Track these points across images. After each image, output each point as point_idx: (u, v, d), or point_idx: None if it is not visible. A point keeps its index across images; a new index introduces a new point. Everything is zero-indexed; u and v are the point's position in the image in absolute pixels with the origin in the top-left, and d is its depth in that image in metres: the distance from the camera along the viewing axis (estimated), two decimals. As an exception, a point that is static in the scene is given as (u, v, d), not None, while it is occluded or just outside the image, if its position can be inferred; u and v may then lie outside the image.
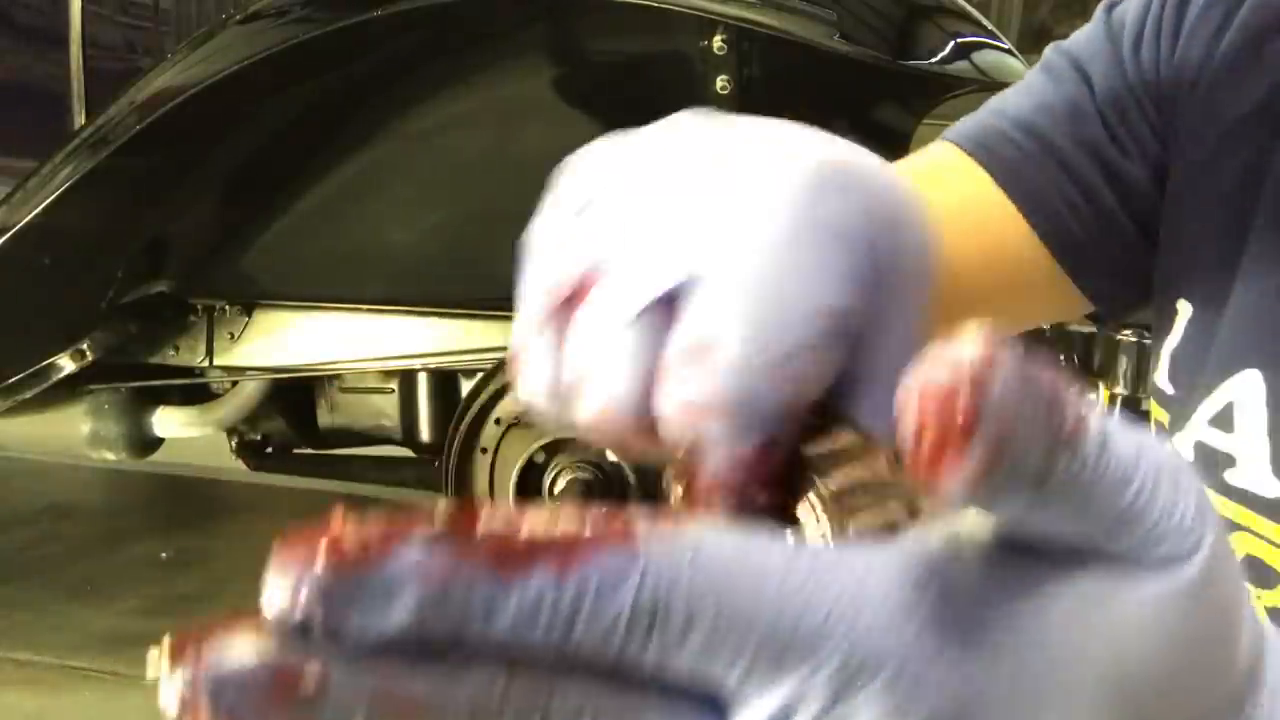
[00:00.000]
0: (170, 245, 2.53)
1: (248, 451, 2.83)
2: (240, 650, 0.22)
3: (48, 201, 2.18)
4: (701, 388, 0.31)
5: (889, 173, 0.36)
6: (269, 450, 2.87)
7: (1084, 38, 0.64)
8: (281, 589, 0.22)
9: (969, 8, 2.15)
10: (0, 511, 3.44)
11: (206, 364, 2.58)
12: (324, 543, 0.22)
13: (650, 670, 0.23)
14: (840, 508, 0.29)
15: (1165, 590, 0.24)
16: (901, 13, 2.10)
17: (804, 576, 0.23)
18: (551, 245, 0.35)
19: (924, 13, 2.11)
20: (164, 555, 3.17)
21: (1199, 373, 0.57)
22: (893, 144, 2.28)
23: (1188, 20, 0.60)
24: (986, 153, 0.62)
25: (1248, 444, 0.54)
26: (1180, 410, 0.58)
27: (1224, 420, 0.56)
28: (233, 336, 2.57)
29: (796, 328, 0.31)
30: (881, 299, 0.33)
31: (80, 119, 2.44)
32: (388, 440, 2.72)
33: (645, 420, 0.33)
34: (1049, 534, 0.24)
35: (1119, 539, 0.24)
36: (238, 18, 2.10)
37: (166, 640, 0.23)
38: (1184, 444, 0.57)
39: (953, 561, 0.24)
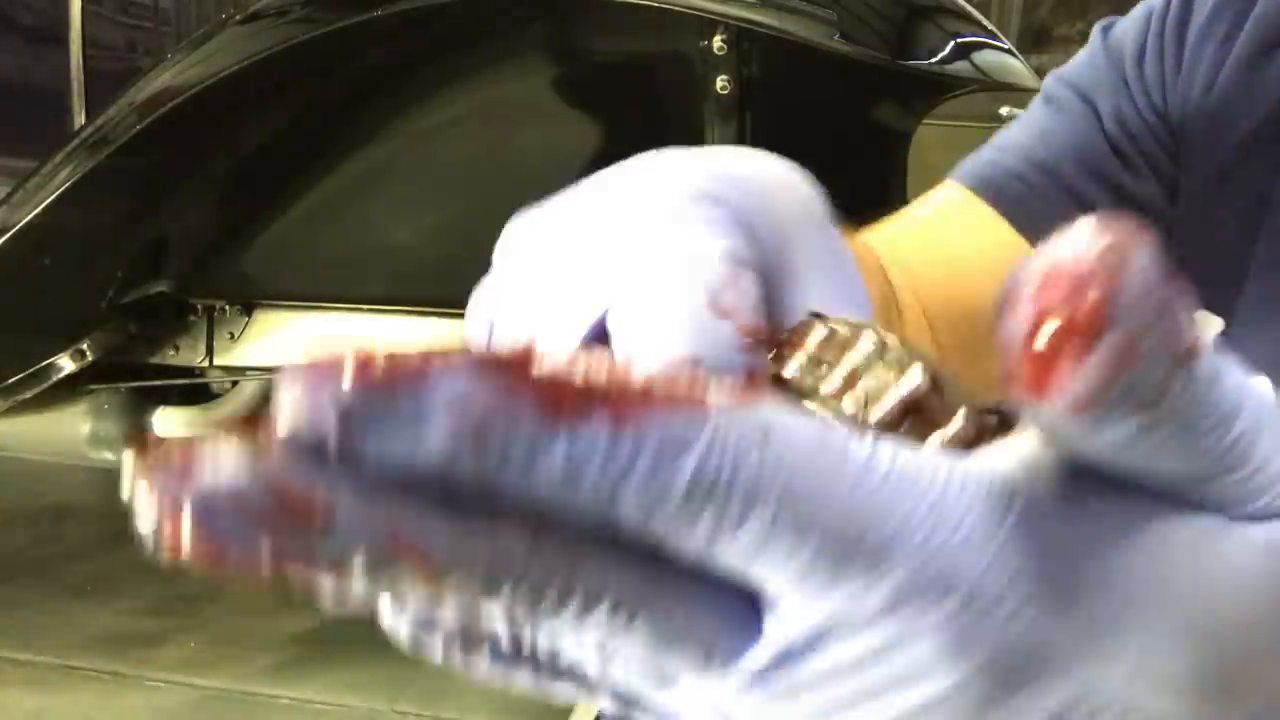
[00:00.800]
0: (170, 245, 2.52)
1: (248, 451, 2.83)
2: (236, 464, 0.19)
3: (48, 201, 2.17)
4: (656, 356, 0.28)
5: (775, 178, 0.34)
6: (269, 450, 2.87)
7: (1084, 62, 0.64)
8: (294, 402, 0.19)
9: (969, 8, 2.15)
10: (0, 511, 3.44)
11: (206, 364, 2.58)
12: (353, 357, 0.19)
13: (692, 557, 0.21)
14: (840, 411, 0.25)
15: (1262, 543, 0.23)
16: (901, 13, 2.10)
17: (880, 478, 0.21)
18: (478, 322, 0.33)
19: (924, 13, 2.11)
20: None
21: None
22: (893, 144, 2.28)
23: (1190, 36, 0.60)
24: (994, 191, 0.61)
25: None
26: None
27: None
28: (233, 336, 2.57)
29: (706, 271, 0.29)
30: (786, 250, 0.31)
31: (80, 119, 2.44)
32: (388, 440, 2.72)
33: None
34: (1143, 470, 0.22)
35: (1217, 482, 0.22)
36: (238, 18, 2.10)
37: (143, 439, 0.19)
38: None
39: (1039, 486, 0.22)
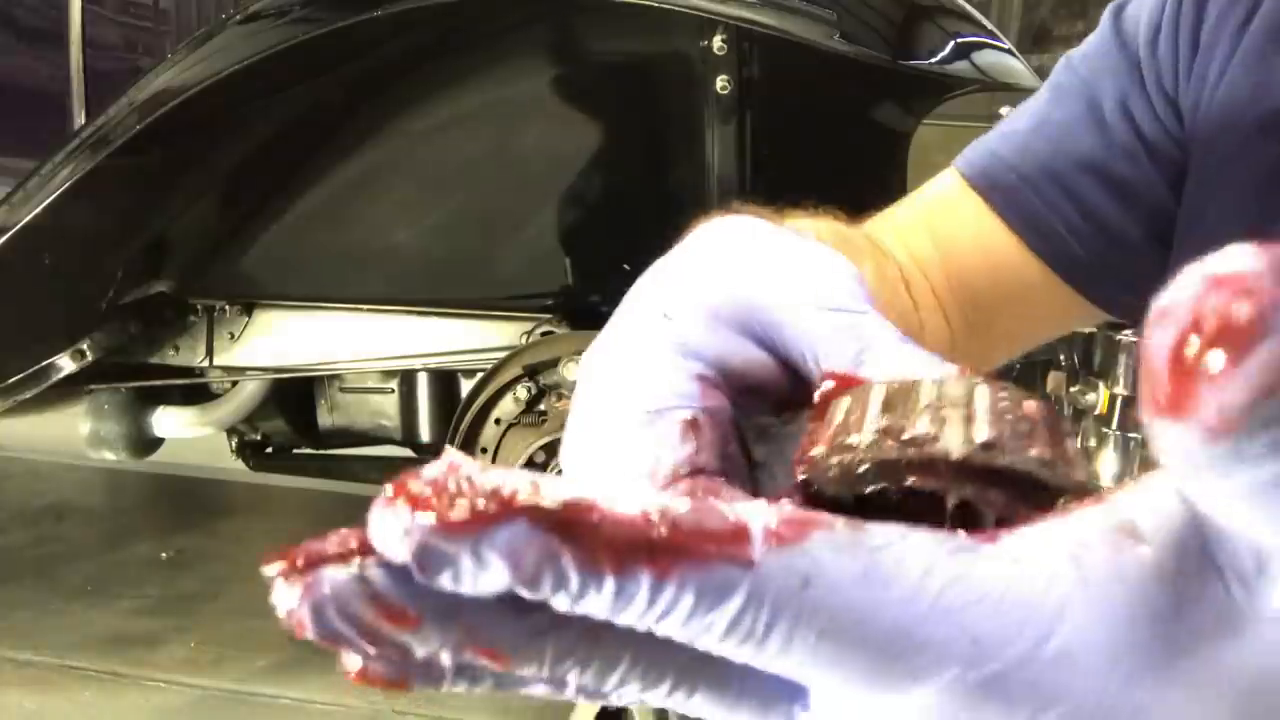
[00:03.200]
0: (170, 245, 2.53)
1: (248, 451, 2.83)
2: (346, 578, 0.23)
3: (48, 201, 2.17)
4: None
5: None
6: (269, 450, 2.87)
7: (1094, 46, 0.64)
8: (387, 530, 0.22)
9: (969, 8, 2.15)
10: (0, 511, 3.44)
11: (206, 364, 2.58)
12: (431, 497, 0.22)
13: (738, 665, 0.23)
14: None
15: None
16: (901, 13, 2.10)
17: (930, 602, 0.22)
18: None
19: (924, 13, 2.11)
20: (164, 555, 3.17)
21: None
22: (893, 144, 2.28)
23: (1209, 17, 0.59)
24: (987, 181, 0.63)
25: None
26: None
27: None
28: (233, 336, 2.57)
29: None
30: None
31: (80, 119, 2.44)
32: (388, 440, 2.72)
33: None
34: (1246, 528, 0.21)
35: None
36: (238, 18, 2.10)
37: (287, 554, 0.24)
38: None
39: (1155, 581, 0.22)
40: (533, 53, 2.30)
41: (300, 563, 0.24)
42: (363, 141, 2.37)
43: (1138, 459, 2.54)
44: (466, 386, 2.53)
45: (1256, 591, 0.21)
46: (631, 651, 0.24)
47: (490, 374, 2.35)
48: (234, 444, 2.82)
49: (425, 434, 2.66)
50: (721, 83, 2.11)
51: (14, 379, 2.39)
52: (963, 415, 0.26)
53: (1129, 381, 2.12)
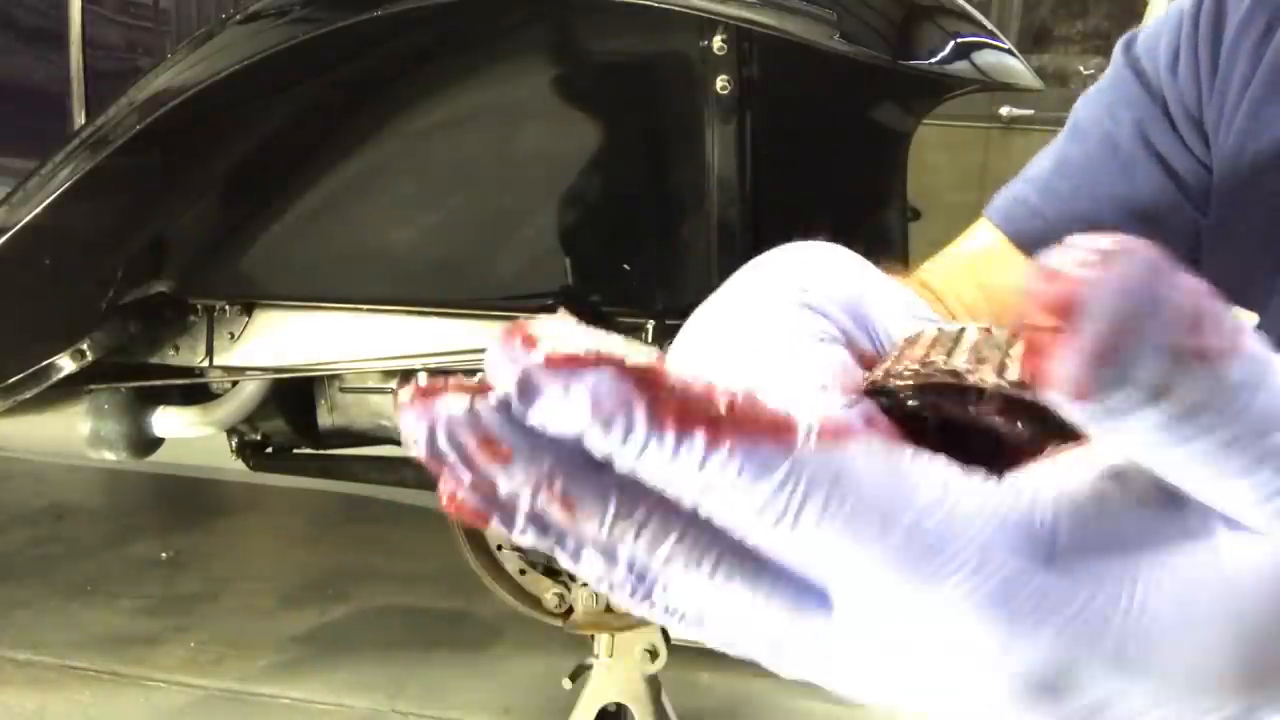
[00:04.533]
0: (170, 245, 2.53)
1: (248, 451, 2.83)
2: (458, 407, 0.27)
3: (48, 201, 2.17)
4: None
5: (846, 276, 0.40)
6: (269, 450, 2.87)
7: (1107, 81, 0.65)
8: (499, 361, 0.26)
9: (969, 8, 2.15)
10: (0, 511, 3.44)
11: (206, 364, 2.58)
12: (537, 340, 0.26)
13: (769, 549, 0.26)
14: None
15: None
16: (901, 13, 2.10)
17: (949, 506, 0.25)
18: None
19: (924, 13, 2.11)
20: (164, 555, 3.17)
21: None
22: (893, 144, 2.28)
23: (1226, 36, 0.60)
24: (1014, 229, 0.65)
25: None
26: None
27: None
28: (233, 336, 2.57)
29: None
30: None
31: (80, 119, 2.44)
32: (388, 440, 2.72)
33: None
34: (1191, 479, 0.24)
35: (1261, 490, 0.23)
36: (238, 18, 2.10)
37: (419, 380, 0.28)
38: None
39: (1076, 518, 0.25)
40: (533, 53, 2.30)
41: (425, 391, 0.27)
42: (363, 141, 2.37)
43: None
44: (466, 386, 2.53)
45: (1207, 518, 0.25)
46: (681, 528, 0.27)
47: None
48: (234, 444, 2.82)
49: (425, 434, 2.66)
50: (721, 83, 2.11)
51: (14, 379, 2.39)
52: (1000, 358, 0.30)
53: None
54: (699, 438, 0.25)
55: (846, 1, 1.99)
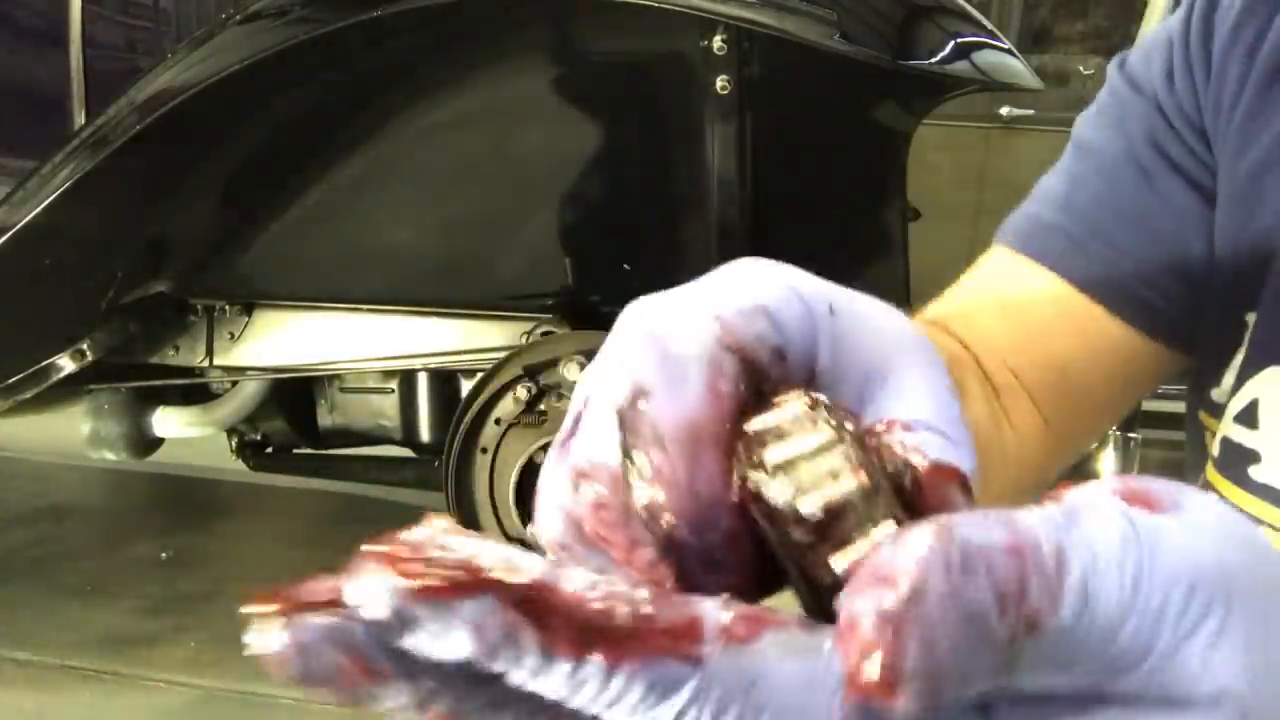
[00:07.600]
0: (170, 245, 2.53)
1: (248, 451, 2.84)
2: (327, 627, 0.24)
3: (48, 201, 2.18)
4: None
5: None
6: (269, 450, 2.87)
7: (1107, 100, 0.65)
8: (366, 588, 0.24)
9: (969, 8, 2.15)
10: (0, 511, 3.44)
11: (206, 364, 2.59)
12: (406, 562, 0.24)
13: None
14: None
15: None
16: (901, 13, 2.10)
17: None
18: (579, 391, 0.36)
19: (924, 13, 2.11)
20: (164, 555, 3.17)
21: None
22: (893, 144, 2.28)
23: (1216, 45, 0.60)
24: (1037, 248, 0.62)
25: (1272, 440, 0.54)
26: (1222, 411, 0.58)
27: (1249, 416, 0.55)
28: (233, 336, 2.57)
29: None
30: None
31: (80, 119, 2.44)
32: (388, 440, 2.72)
33: None
34: (1050, 688, 0.24)
35: (1121, 683, 0.23)
36: (238, 18, 2.10)
37: (272, 597, 0.25)
38: (1217, 443, 0.57)
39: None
40: (533, 53, 2.30)
41: (285, 607, 0.24)
42: (363, 141, 2.37)
43: (1137, 458, 2.54)
44: (466, 387, 2.54)
45: None
46: None
47: (490, 374, 2.36)
48: (234, 444, 2.82)
49: (425, 434, 2.66)
50: (721, 83, 2.11)
51: (14, 379, 2.39)
52: (800, 479, 0.26)
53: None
54: (595, 663, 0.23)
55: (846, 1, 1.99)
